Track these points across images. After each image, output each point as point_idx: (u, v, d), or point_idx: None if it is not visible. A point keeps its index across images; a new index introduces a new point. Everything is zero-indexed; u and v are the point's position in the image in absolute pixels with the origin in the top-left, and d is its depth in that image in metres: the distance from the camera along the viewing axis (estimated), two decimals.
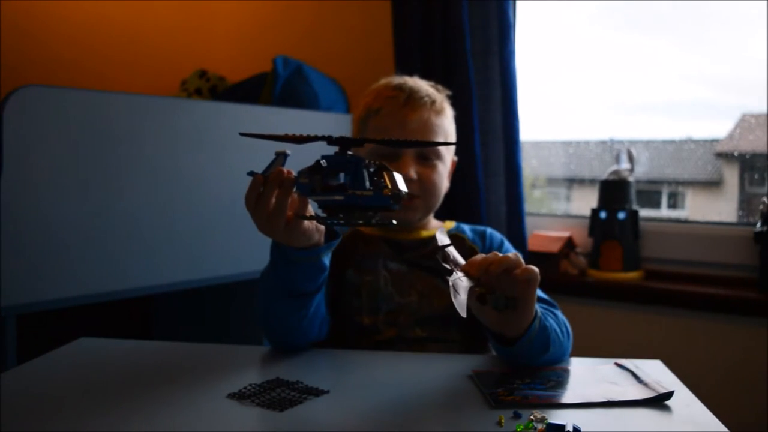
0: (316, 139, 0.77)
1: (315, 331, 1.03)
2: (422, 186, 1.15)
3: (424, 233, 1.20)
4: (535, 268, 0.87)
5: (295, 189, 0.83)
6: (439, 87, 1.25)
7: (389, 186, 0.74)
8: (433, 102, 1.18)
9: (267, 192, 0.85)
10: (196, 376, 0.88)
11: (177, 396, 0.81)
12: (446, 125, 1.20)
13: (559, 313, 1.06)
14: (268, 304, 1.00)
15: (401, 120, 1.15)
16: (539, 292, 1.06)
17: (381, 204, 0.75)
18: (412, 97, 1.16)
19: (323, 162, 0.79)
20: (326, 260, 0.96)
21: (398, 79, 1.23)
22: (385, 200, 0.74)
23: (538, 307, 0.93)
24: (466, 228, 1.24)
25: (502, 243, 1.23)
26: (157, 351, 1.01)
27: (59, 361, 0.95)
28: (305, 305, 0.98)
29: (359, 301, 1.14)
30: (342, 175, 0.77)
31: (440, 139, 1.17)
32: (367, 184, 0.75)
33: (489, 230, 1.26)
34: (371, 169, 0.76)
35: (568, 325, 1.04)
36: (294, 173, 0.82)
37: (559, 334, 0.98)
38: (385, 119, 1.17)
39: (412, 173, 1.13)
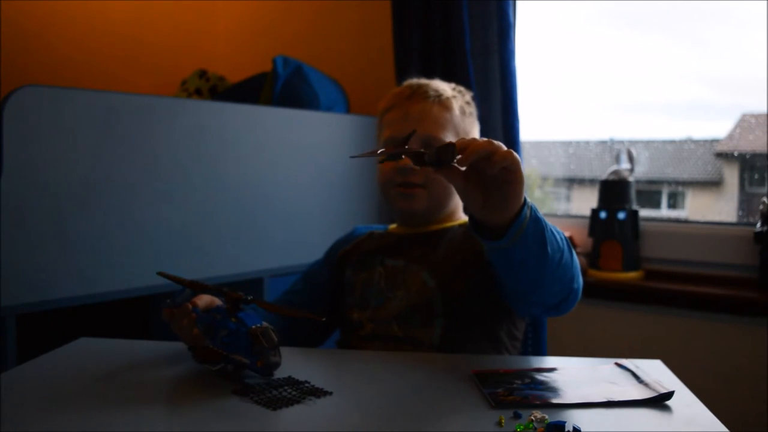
0: (218, 293, 0.90)
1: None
2: (425, 176, 1.15)
3: (435, 227, 1.20)
4: (513, 152, 0.80)
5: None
6: (462, 89, 1.26)
7: (264, 358, 0.83)
8: (439, 96, 1.19)
9: (176, 319, 0.97)
10: (196, 376, 0.88)
11: (177, 395, 0.81)
12: (455, 120, 1.20)
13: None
14: None
15: (405, 112, 1.18)
16: None
17: (254, 371, 0.85)
18: (417, 91, 1.19)
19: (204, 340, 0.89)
20: None
21: (414, 80, 1.25)
22: (257, 370, 0.84)
23: (529, 201, 0.88)
24: None
25: None
26: (157, 351, 1.01)
27: (59, 361, 0.95)
28: None
29: (353, 299, 1.16)
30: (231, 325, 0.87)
31: (448, 133, 1.17)
32: (246, 349, 0.84)
33: None
34: (256, 330, 0.84)
35: (567, 239, 0.99)
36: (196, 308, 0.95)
37: (556, 234, 0.92)
38: (394, 113, 1.20)
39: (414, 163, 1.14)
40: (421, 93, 1.19)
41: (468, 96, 1.26)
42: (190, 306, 0.94)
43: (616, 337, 1.82)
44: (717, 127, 2.00)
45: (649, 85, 2.04)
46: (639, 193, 1.94)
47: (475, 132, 1.25)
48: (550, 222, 0.92)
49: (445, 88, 1.22)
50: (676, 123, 2.06)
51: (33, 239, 1.29)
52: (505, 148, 0.81)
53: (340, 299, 1.22)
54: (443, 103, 1.19)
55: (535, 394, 0.80)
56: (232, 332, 0.85)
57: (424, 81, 1.24)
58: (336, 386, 0.82)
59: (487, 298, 1.11)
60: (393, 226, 1.28)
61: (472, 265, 1.11)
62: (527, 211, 0.86)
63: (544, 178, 2.25)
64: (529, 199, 0.87)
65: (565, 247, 0.95)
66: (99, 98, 1.40)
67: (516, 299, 1.08)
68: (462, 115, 1.21)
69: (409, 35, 1.91)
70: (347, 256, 1.24)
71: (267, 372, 0.84)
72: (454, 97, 1.22)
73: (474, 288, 1.11)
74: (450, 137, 1.17)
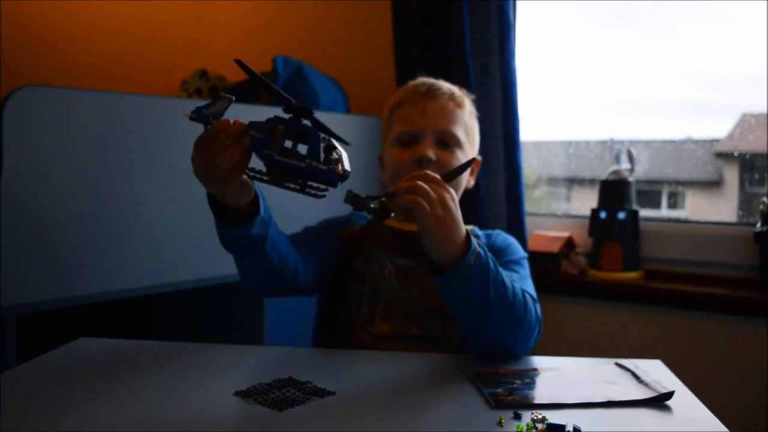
0: (281, 96, 0.82)
1: (268, 282, 1.10)
2: (440, 168, 1.13)
3: None
4: (435, 195, 0.90)
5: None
6: (464, 90, 1.32)
7: (341, 165, 0.78)
8: (452, 94, 1.26)
9: (220, 143, 0.84)
10: (197, 375, 0.88)
11: (178, 396, 0.81)
12: (466, 118, 1.27)
13: (529, 294, 1.03)
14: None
15: (421, 107, 1.23)
16: (524, 284, 1.06)
17: (330, 179, 0.78)
18: (432, 89, 1.26)
19: (280, 126, 0.81)
20: (255, 230, 0.99)
21: (422, 78, 1.32)
22: (335, 177, 0.78)
23: (478, 246, 0.93)
24: (480, 233, 1.26)
25: (507, 246, 1.23)
26: (157, 351, 1.01)
27: (59, 361, 0.95)
28: (244, 259, 1.05)
29: (362, 288, 1.16)
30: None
31: (461, 129, 1.24)
32: (322, 157, 0.78)
33: (497, 232, 1.27)
34: (323, 144, 0.79)
35: (533, 307, 1.01)
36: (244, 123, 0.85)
37: (509, 289, 0.96)
38: (407, 108, 1.25)
39: (431, 154, 1.19)
40: (436, 89, 1.25)
41: (470, 96, 1.33)
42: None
43: (616, 337, 1.82)
44: (717, 127, 2.00)
45: (649, 85, 2.04)
46: (639, 193, 1.94)
47: (476, 132, 1.32)
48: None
49: (454, 87, 1.29)
50: (676, 123, 2.06)
51: (33, 239, 1.29)
52: (433, 195, 0.90)
53: (342, 278, 1.20)
54: (456, 100, 1.26)
55: (535, 394, 0.80)
56: (306, 139, 0.79)
57: (432, 79, 1.30)
58: (337, 386, 0.82)
59: None
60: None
61: None
62: (471, 258, 0.91)
63: (545, 179, 2.25)
64: (476, 246, 0.92)
65: (519, 307, 0.97)
66: (99, 98, 1.40)
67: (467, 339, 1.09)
68: (470, 115, 1.29)
69: (409, 35, 1.91)
70: (354, 239, 1.23)
71: (342, 179, 0.80)
72: (463, 96, 1.29)
73: None
74: (461, 133, 1.24)
